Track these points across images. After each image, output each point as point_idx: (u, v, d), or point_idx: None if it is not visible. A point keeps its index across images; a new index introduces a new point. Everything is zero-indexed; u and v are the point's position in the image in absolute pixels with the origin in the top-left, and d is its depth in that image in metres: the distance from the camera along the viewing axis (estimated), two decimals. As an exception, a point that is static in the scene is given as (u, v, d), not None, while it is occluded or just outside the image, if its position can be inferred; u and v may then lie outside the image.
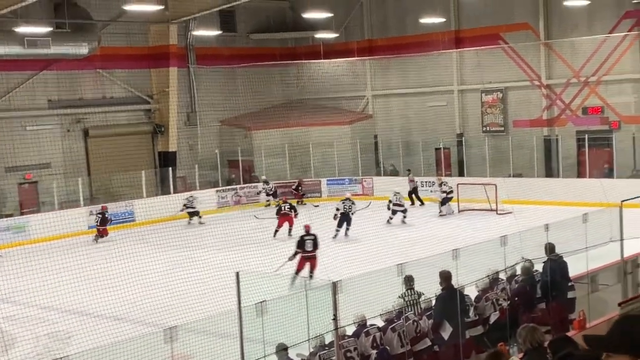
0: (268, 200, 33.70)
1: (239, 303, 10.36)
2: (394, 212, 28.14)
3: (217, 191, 34.13)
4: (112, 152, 32.42)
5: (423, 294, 12.57)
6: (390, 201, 28.26)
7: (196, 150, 36.47)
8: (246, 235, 25.53)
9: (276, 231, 26.18)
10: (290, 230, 25.92)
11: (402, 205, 28.29)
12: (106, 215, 28.11)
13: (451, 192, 29.30)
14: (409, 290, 12.62)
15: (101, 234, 27.71)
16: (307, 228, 19.65)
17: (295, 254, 19.12)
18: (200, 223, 30.03)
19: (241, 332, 10.19)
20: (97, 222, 27.92)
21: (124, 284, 17.75)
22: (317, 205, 32.06)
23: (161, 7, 30.94)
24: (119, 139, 33.34)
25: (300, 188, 34.70)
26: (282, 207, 26.84)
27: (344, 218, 25.97)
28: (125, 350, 9.98)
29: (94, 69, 33.01)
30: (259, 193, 34.60)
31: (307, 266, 19.11)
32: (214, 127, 37.42)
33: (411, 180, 32.61)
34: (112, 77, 34.06)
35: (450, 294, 11.76)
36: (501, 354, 4.58)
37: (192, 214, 30.52)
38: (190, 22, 35.59)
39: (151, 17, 33.34)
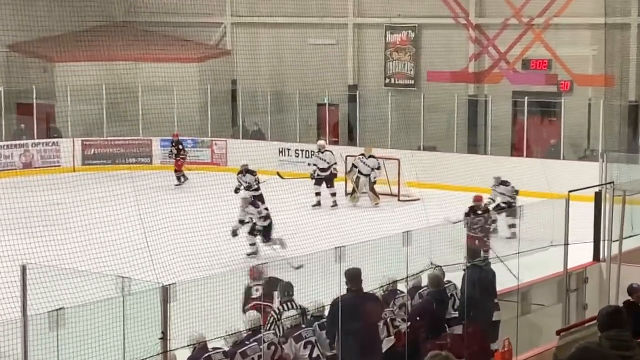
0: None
1: (24, 310, 10.20)
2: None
3: (-3, 147, 33.42)
4: None
5: (307, 309, 12.56)
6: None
7: (-30, 87, 35.55)
8: (39, 213, 25.04)
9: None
10: None
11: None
12: None
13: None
14: (286, 303, 12.63)
15: None
16: None
17: None
18: None
19: (25, 352, 10.04)
20: None
21: None
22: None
23: None
24: None
25: None
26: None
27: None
28: None
29: None
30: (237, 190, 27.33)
31: None
32: (-1, 53, 36.58)
33: None
34: None
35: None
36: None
37: None
38: None
39: None
